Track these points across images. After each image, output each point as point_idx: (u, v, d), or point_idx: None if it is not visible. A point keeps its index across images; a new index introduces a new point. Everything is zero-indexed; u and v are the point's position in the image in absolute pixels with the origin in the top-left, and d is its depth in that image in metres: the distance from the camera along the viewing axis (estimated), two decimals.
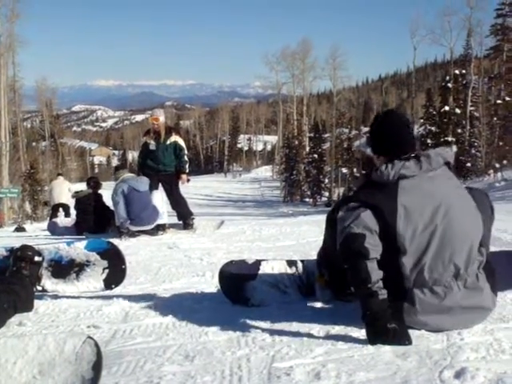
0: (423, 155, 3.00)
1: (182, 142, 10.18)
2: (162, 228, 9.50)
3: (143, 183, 9.28)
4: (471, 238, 2.94)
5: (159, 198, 9.68)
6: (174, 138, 10.08)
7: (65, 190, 18.35)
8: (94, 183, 11.68)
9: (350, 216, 2.93)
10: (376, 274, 2.79)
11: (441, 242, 2.87)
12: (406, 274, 2.89)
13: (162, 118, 10.14)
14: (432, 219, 2.88)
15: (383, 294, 2.77)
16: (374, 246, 2.84)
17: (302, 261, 3.94)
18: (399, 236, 2.88)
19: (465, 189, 3.11)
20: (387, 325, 2.69)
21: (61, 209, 18.32)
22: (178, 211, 10.19)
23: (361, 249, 2.82)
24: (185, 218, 10.09)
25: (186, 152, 10.15)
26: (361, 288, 2.81)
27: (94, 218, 10.59)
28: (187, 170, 10.06)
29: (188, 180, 10.41)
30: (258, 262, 3.87)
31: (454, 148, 40.58)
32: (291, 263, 3.90)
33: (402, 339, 2.66)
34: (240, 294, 3.72)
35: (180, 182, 9.98)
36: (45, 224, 15.84)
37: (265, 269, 3.82)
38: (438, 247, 2.86)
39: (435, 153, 3.03)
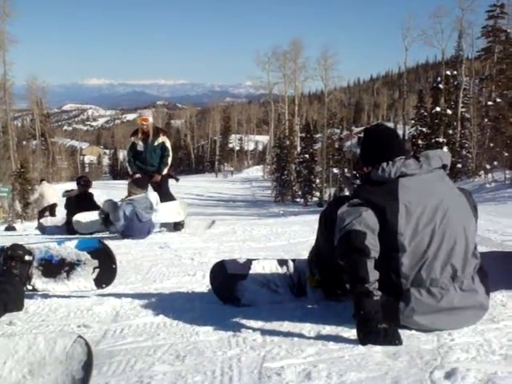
0: (422, 155, 3.05)
1: (168, 144, 10.22)
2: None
3: (148, 213, 8.94)
4: (468, 239, 2.96)
5: (154, 198, 9.57)
6: (162, 138, 10.15)
7: (55, 191, 18.58)
8: (84, 182, 11.67)
9: (351, 213, 2.91)
10: (374, 274, 2.79)
11: (440, 242, 2.88)
12: (404, 273, 2.90)
13: (150, 119, 10.21)
14: (432, 218, 2.90)
15: (378, 295, 2.77)
16: (374, 246, 2.83)
17: (293, 260, 3.94)
18: (400, 235, 2.89)
19: (457, 188, 3.13)
20: (378, 325, 2.69)
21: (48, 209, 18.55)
22: None
23: (362, 246, 2.80)
24: None
25: (170, 154, 10.16)
26: (357, 286, 2.78)
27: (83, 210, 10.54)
28: (164, 172, 10.07)
29: (177, 179, 10.44)
30: (249, 262, 3.87)
31: (445, 149, 40.73)
32: (282, 263, 3.89)
33: (393, 340, 2.66)
34: (231, 293, 3.72)
35: (153, 179, 9.95)
36: (35, 223, 15.84)
37: (256, 268, 3.81)
38: (436, 247, 2.88)
39: (434, 153, 3.07)
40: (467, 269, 2.91)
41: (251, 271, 3.79)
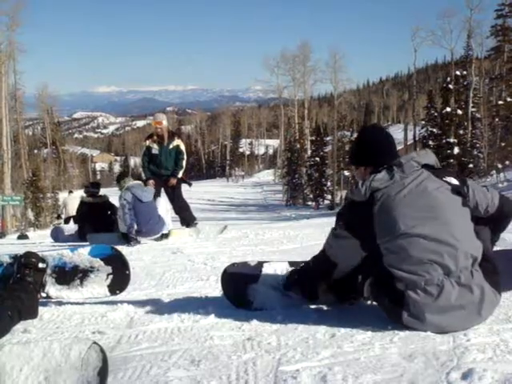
0: (395, 164, 3.04)
1: (183, 147, 10.22)
2: (165, 236, 9.47)
3: (147, 192, 9.20)
4: (457, 235, 2.93)
5: (164, 207, 9.64)
6: (177, 142, 10.14)
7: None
8: (93, 187, 11.65)
9: (335, 244, 3.24)
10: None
11: (424, 243, 2.89)
12: (397, 276, 2.92)
13: (164, 122, 10.16)
14: (413, 222, 2.92)
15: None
16: (340, 274, 3.28)
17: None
18: (381, 242, 2.99)
19: (448, 185, 3.04)
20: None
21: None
22: (181, 216, 10.21)
23: (325, 276, 3.38)
24: (188, 222, 10.12)
25: (184, 157, 10.16)
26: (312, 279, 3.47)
27: (96, 223, 10.49)
28: (179, 176, 10.06)
29: (190, 184, 10.42)
30: (260, 264, 3.86)
31: (456, 149, 40.61)
32: (294, 265, 3.88)
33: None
34: (242, 297, 3.71)
35: (168, 183, 9.97)
36: (48, 231, 15.89)
37: (267, 271, 3.80)
38: (422, 248, 2.89)
39: (407, 158, 3.06)
40: (461, 263, 2.88)
41: (262, 274, 3.78)
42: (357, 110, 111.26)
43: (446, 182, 3.04)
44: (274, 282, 3.74)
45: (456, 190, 3.04)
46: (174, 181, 9.94)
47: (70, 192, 21.92)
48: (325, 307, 3.59)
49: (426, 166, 3.08)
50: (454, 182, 3.06)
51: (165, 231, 9.43)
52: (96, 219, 10.45)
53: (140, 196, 8.99)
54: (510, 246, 6.08)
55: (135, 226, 8.88)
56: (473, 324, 2.89)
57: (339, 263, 3.22)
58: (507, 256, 3.62)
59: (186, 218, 10.17)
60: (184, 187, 10.37)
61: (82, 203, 11.27)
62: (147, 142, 10.26)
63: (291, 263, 3.92)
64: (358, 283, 3.37)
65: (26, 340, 3.08)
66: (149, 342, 2.95)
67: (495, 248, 3.39)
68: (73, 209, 18.90)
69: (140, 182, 9.60)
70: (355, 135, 67.21)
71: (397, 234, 2.91)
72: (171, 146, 10.03)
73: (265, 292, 3.69)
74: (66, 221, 18.81)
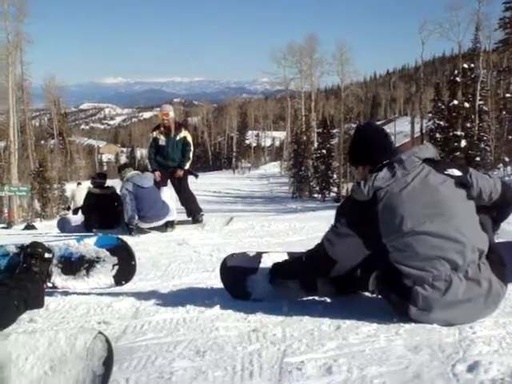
0: (396, 161, 3.01)
1: (190, 139, 10.21)
2: (170, 224, 9.48)
3: (147, 179, 9.28)
4: (464, 229, 2.91)
5: (168, 194, 9.66)
6: (184, 133, 10.12)
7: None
8: (100, 177, 11.66)
9: (336, 241, 3.18)
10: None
11: (431, 240, 2.87)
12: (405, 273, 2.91)
13: (171, 113, 10.13)
14: (419, 220, 2.90)
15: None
16: (332, 274, 3.28)
17: (304, 253, 3.91)
18: (387, 240, 2.97)
19: (451, 178, 3.01)
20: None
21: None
22: (187, 208, 10.20)
23: (323, 273, 3.36)
24: (194, 214, 10.11)
25: (192, 148, 10.15)
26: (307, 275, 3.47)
27: (103, 215, 10.50)
28: (186, 167, 10.06)
29: (196, 176, 10.40)
30: (259, 255, 3.85)
31: (463, 142, 40.48)
32: (293, 255, 3.87)
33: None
34: (241, 288, 3.71)
35: (175, 175, 9.96)
36: (54, 222, 15.93)
37: (266, 262, 3.78)
38: (429, 245, 2.87)
39: (408, 154, 3.03)
40: (468, 257, 2.88)
41: (261, 265, 3.77)
42: (363, 102, 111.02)
43: (449, 174, 3.02)
44: None
45: (460, 182, 3.01)
46: (180, 172, 9.93)
47: (79, 184, 22.01)
48: (329, 299, 3.59)
49: (427, 160, 3.06)
50: (457, 172, 3.04)
51: (170, 218, 9.44)
52: (103, 210, 10.46)
53: (140, 183, 9.08)
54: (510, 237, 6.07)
55: (136, 217, 8.93)
56: (480, 317, 2.89)
57: (340, 261, 3.19)
58: (510, 247, 3.60)
59: (193, 209, 10.15)
60: (190, 179, 10.36)
61: (89, 194, 11.27)
62: (154, 134, 10.22)
63: (290, 254, 3.92)
64: (359, 277, 3.38)
65: (32, 329, 3.09)
66: (154, 333, 2.96)
67: (499, 240, 3.38)
68: (81, 200, 18.96)
69: (139, 172, 9.61)
70: None
71: (403, 231, 2.89)
72: (178, 138, 10.02)
73: (264, 283, 3.68)
74: (75, 212, 18.89)
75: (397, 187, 2.95)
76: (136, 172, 9.46)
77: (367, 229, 3.01)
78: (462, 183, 3.01)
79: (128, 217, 8.94)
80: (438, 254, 2.86)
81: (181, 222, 10.02)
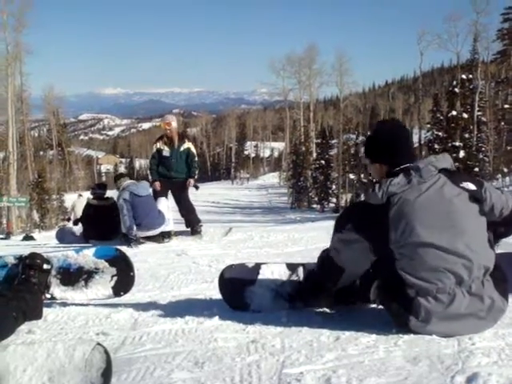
0: (413, 168, 2.98)
1: (194, 150, 10.18)
2: (167, 235, 9.46)
3: (143, 188, 9.26)
4: (473, 245, 2.90)
5: (165, 204, 9.64)
6: (187, 144, 10.08)
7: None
8: (99, 188, 11.63)
9: (342, 248, 3.16)
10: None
11: (440, 252, 2.86)
12: (409, 283, 2.90)
13: (174, 124, 10.08)
14: (430, 230, 2.88)
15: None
16: (341, 282, 3.27)
17: (303, 265, 3.91)
18: (395, 247, 2.94)
19: (465, 192, 2.99)
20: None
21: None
22: (186, 218, 10.19)
23: (332, 283, 3.35)
24: (193, 225, 10.09)
25: (197, 159, 10.16)
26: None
27: (101, 226, 10.48)
28: (196, 176, 10.08)
29: (197, 187, 10.38)
30: (257, 266, 3.84)
31: (462, 153, 40.51)
32: (291, 267, 3.86)
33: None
34: (240, 299, 3.70)
35: (188, 185, 9.96)
36: (53, 233, 15.91)
37: (265, 273, 3.78)
38: (437, 257, 2.86)
39: (425, 163, 2.99)
40: (474, 273, 2.88)
41: (260, 276, 3.76)
42: (362, 113, 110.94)
43: (464, 188, 2.99)
44: (272, 284, 3.74)
45: (474, 197, 2.99)
46: (192, 182, 9.92)
47: (80, 196, 22.04)
48: (329, 310, 3.59)
49: (443, 170, 3.04)
50: (472, 187, 3.01)
51: (166, 228, 9.43)
52: (101, 221, 10.42)
53: (137, 191, 9.06)
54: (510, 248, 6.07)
55: (135, 228, 8.90)
56: (479, 331, 2.89)
57: (347, 268, 3.17)
58: (510, 259, 3.60)
59: (191, 220, 10.14)
60: (191, 190, 10.34)
61: (88, 205, 11.25)
62: (158, 145, 10.11)
63: (288, 265, 3.91)
64: (359, 287, 3.37)
65: (31, 341, 3.08)
66: (153, 344, 2.95)
67: (498, 250, 3.37)
68: (81, 211, 19.04)
69: (135, 181, 9.62)
70: (360, 138, 67.33)
71: (413, 240, 2.88)
72: (182, 149, 9.97)
73: (262, 294, 3.68)
74: (75, 223, 18.87)
75: (411, 195, 2.92)
76: (132, 181, 9.44)
77: (376, 232, 2.98)
78: (476, 198, 3.00)
79: (127, 227, 8.92)
80: (444, 266, 2.85)
81: (179, 233, 10.01)
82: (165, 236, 9.39)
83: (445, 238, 2.87)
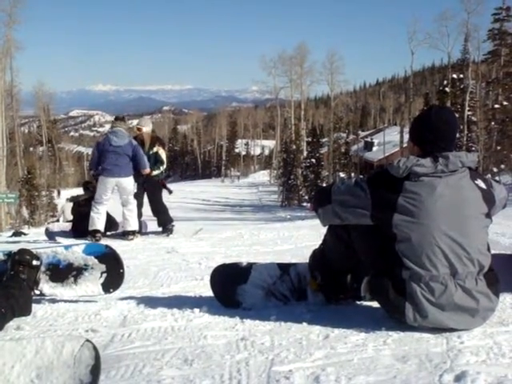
0: (442, 156, 2.99)
1: (163, 154, 10.53)
2: (131, 233, 9.55)
3: (119, 138, 9.51)
4: (473, 241, 2.93)
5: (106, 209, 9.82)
6: (156, 148, 10.47)
7: None
8: (92, 188, 11.63)
9: (344, 187, 3.21)
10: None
11: (440, 241, 2.88)
12: (405, 264, 2.91)
13: (145, 129, 10.58)
14: (438, 216, 2.90)
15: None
16: (341, 217, 3.20)
17: (294, 264, 3.93)
18: (398, 224, 2.94)
19: (479, 191, 3.03)
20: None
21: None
22: (158, 218, 10.44)
23: (316, 202, 3.47)
24: (164, 224, 10.41)
25: (164, 165, 10.55)
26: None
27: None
28: (154, 173, 10.26)
29: (170, 192, 10.64)
30: (249, 266, 3.85)
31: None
32: (283, 266, 3.87)
33: None
34: (232, 297, 3.71)
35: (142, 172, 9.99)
36: (42, 229, 15.87)
37: (256, 272, 3.79)
38: (437, 245, 2.87)
39: (454, 155, 3.01)
40: (469, 268, 2.90)
41: (252, 275, 3.77)
42: (353, 111, 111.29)
43: (478, 186, 3.04)
44: (263, 283, 3.74)
45: (486, 198, 3.04)
46: (147, 171, 9.92)
47: (68, 200, 22.03)
48: (319, 308, 3.59)
49: (468, 168, 3.08)
50: (483, 185, 3.06)
51: (131, 228, 9.64)
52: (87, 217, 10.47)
53: (111, 140, 9.49)
54: (503, 249, 6.11)
55: (98, 169, 9.55)
56: (468, 327, 2.90)
57: (333, 203, 3.21)
58: (501, 260, 3.63)
59: (163, 219, 10.50)
60: (165, 194, 10.72)
61: (77, 203, 11.26)
62: None
63: (280, 265, 3.92)
64: (349, 283, 3.38)
65: (19, 337, 3.07)
66: (142, 341, 2.94)
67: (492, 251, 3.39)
68: (69, 214, 19.01)
69: (121, 129, 9.79)
70: (351, 137, 67.52)
71: (419, 220, 2.90)
72: (150, 152, 10.31)
73: (254, 293, 3.69)
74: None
75: (430, 179, 2.95)
76: (118, 129, 9.72)
77: (383, 194, 3.00)
78: (488, 199, 3.05)
79: (90, 167, 9.95)
80: (443, 254, 2.87)
81: (150, 233, 10.47)
82: (129, 234, 9.54)
83: (450, 227, 2.90)
